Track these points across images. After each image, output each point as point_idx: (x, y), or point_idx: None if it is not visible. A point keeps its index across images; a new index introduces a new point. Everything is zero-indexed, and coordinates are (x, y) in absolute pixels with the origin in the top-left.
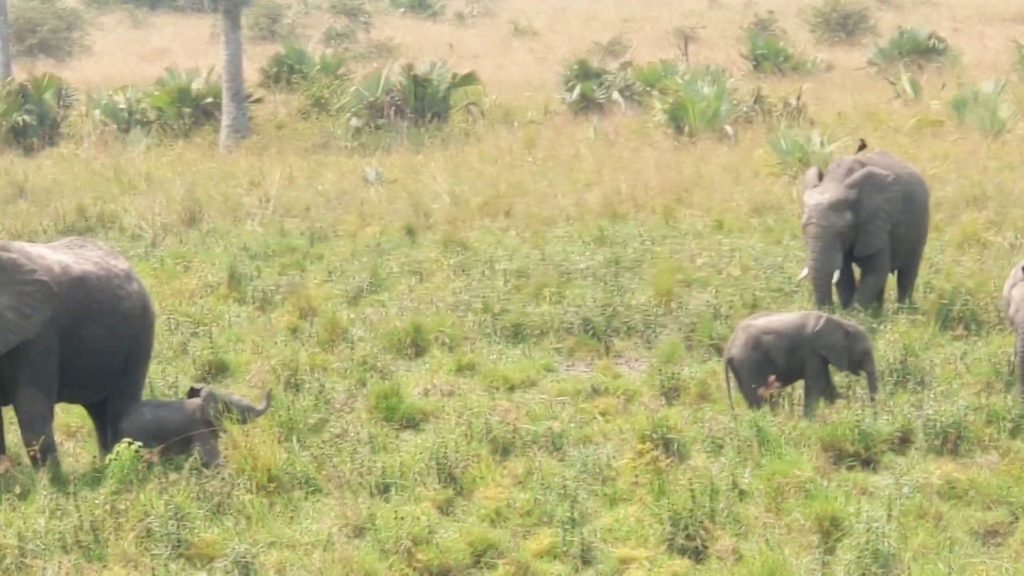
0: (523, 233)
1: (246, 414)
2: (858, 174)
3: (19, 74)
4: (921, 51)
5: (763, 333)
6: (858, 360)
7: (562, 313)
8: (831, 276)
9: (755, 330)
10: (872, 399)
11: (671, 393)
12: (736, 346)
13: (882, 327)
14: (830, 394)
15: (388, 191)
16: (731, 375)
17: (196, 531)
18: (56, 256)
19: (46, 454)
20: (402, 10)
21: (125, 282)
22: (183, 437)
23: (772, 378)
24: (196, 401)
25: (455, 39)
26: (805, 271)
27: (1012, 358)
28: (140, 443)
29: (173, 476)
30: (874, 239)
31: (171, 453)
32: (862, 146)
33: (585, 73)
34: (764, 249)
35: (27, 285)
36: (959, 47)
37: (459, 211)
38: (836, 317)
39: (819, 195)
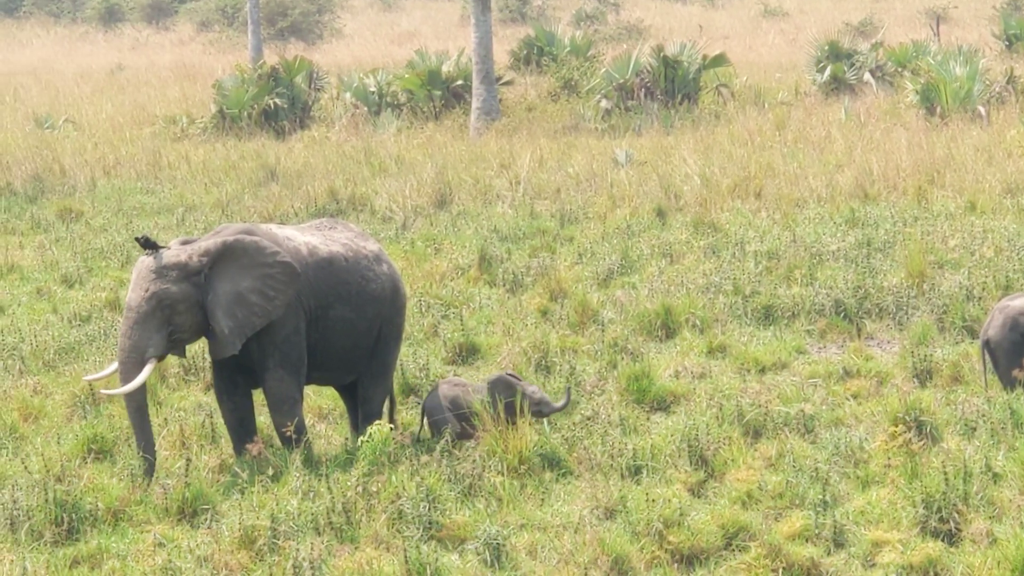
0: (774, 215)
1: (541, 407)
2: None
3: (270, 57)
4: None
5: (1020, 314)
6: None
7: (813, 295)
8: None
9: (1013, 311)
10: None
11: (923, 375)
12: (993, 327)
13: None
14: None
15: (638, 173)
16: (986, 356)
17: (447, 513)
18: (304, 238)
19: (299, 436)
20: None
21: (374, 264)
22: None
23: None
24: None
25: (704, 20)
26: None
27: None
28: (438, 418)
29: (424, 458)
30: None
31: (465, 434)
32: None
33: (836, 54)
34: (1017, 230)
35: (270, 267)
36: None
37: (709, 193)
38: None
39: None
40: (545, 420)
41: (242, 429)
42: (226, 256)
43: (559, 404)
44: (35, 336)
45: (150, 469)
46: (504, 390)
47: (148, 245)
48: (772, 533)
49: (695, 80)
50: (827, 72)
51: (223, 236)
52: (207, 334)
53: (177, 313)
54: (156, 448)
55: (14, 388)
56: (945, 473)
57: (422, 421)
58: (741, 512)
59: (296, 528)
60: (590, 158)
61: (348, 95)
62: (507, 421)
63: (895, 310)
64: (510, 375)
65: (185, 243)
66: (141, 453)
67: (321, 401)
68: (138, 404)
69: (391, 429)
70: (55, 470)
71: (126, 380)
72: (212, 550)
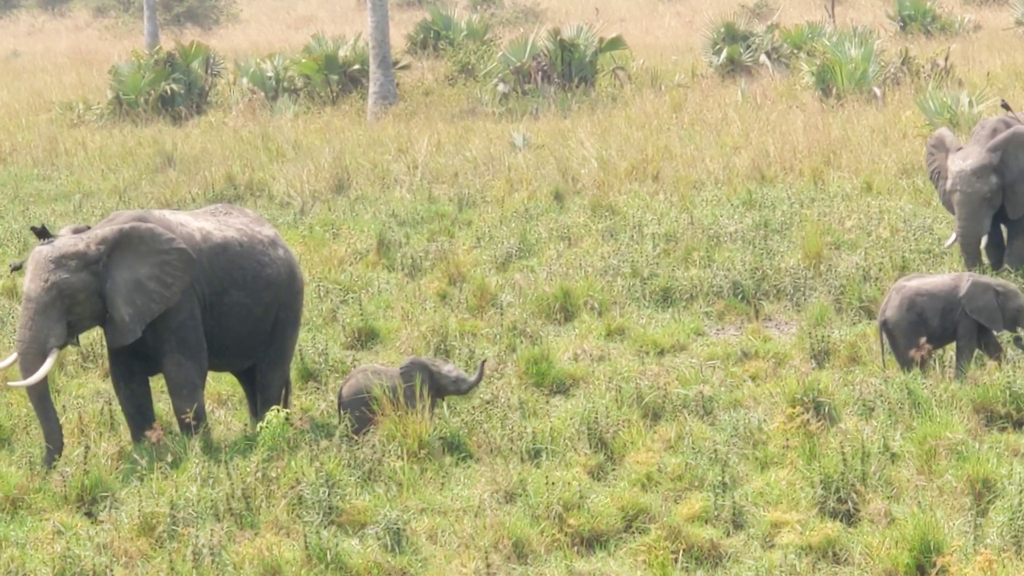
0: (671, 197)
1: (459, 384)
2: (1000, 137)
3: (167, 43)
4: None
5: (917, 295)
6: (1011, 319)
7: (711, 277)
8: (979, 241)
9: (909, 291)
10: None
11: (821, 356)
12: (890, 307)
13: None
14: (993, 351)
15: (536, 156)
16: (884, 337)
17: (347, 498)
18: (198, 223)
19: (198, 422)
20: None
21: (270, 248)
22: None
23: (923, 340)
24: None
25: (601, 3)
26: (953, 237)
27: None
28: (356, 406)
29: (324, 443)
30: (1023, 200)
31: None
32: (1005, 107)
33: (732, 36)
34: (913, 210)
35: (167, 254)
36: None
37: (607, 175)
38: (987, 277)
39: (962, 161)
40: (444, 404)
41: (140, 416)
42: (123, 244)
43: (474, 378)
44: None
45: (53, 455)
46: (421, 372)
47: (44, 234)
48: (671, 515)
49: (592, 63)
50: (723, 54)
51: (118, 224)
52: (105, 322)
53: (77, 303)
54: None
55: None
56: (843, 453)
57: (340, 411)
58: (640, 494)
59: (196, 515)
60: (487, 142)
61: (245, 80)
62: (430, 404)
63: (792, 291)
64: (418, 359)
65: (76, 231)
66: (47, 442)
67: (220, 387)
68: (40, 393)
69: (288, 414)
70: None
71: (28, 372)
72: (111, 537)
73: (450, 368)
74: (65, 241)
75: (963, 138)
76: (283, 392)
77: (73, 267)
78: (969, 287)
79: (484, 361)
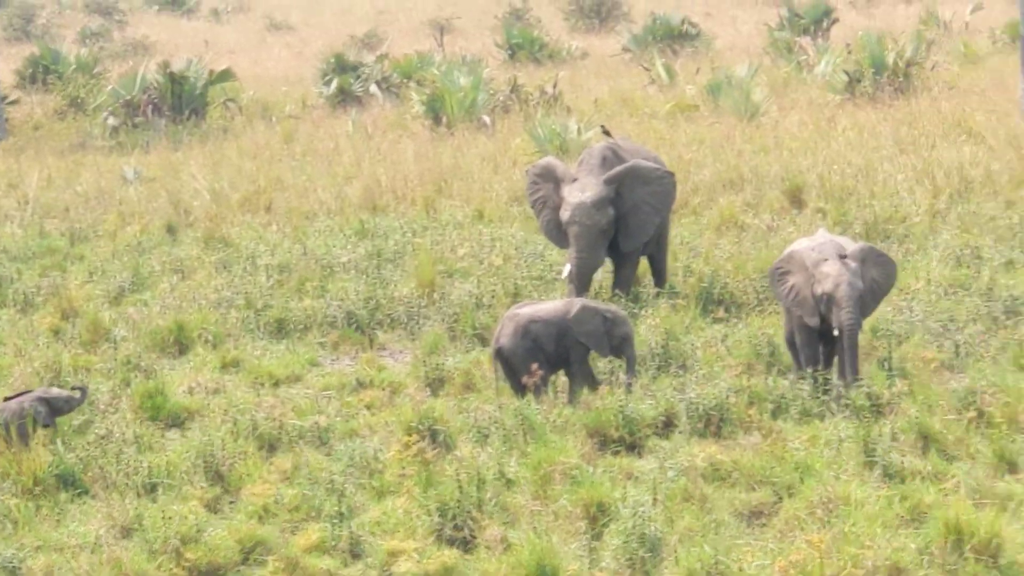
0: (284, 228)
1: (71, 404)
2: (617, 170)
3: None
4: (674, 36)
5: (530, 322)
6: (618, 345)
7: (325, 307)
8: (593, 273)
9: (522, 319)
10: (629, 384)
11: (436, 384)
12: (504, 335)
13: (643, 312)
14: (592, 381)
15: (147, 189)
16: (498, 364)
17: None
18: None
19: None
20: (156, 8)
21: None
22: None
23: (535, 366)
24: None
25: (211, 35)
26: (568, 267)
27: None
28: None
29: None
30: (639, 232)
31: None
32: (606, 132)
33: (342, 66)
34: (524, 238)
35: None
36: (712, 31)
37: (219, 207)
38: (594, 303)
39: (580, 192)
40: (59, 441)
41: None
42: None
43: (79, 395)
44: None
45: None
46: (40, 404)
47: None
48: (289, 546)
49: (202, 95)
50: (333, 84)
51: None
52: None
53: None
54: None
55: None
56: (459, 481)
57: None
58: (258, 526)
59: None
60: (99, 175)
61: None
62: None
63: (407, 320)
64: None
65: None
66: None
67: None
68: None
69: None
70: None
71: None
72: None
73: (57, 391)
74: None
75: (571, 166)
76: None
77: None
78: (578, 311)
79: (79, 386)
